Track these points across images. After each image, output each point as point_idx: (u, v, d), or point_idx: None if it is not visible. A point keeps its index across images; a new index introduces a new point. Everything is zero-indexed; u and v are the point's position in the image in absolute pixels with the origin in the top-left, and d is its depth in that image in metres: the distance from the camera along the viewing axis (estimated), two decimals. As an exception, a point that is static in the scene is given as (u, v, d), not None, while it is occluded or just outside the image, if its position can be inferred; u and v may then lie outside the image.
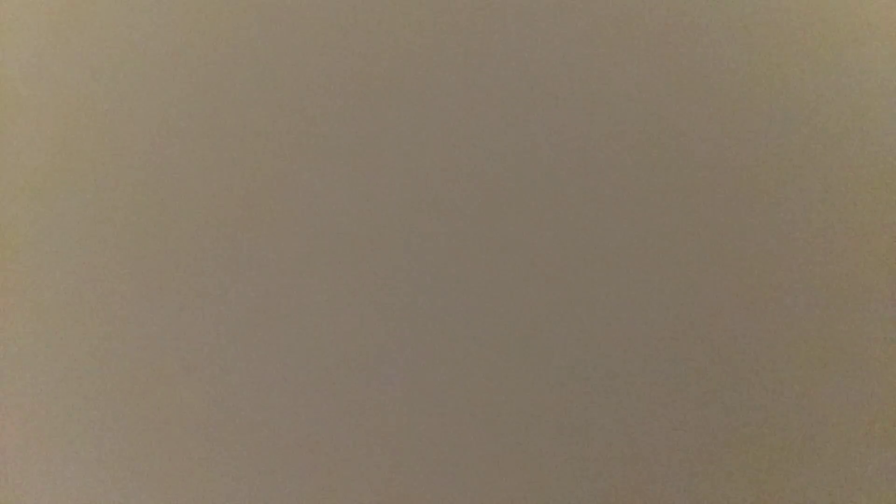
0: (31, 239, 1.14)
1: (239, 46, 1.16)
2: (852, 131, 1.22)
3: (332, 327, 1.16)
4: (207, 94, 1.16)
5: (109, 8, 1.15)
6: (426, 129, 1.17)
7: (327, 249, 1.16)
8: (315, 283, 1.16)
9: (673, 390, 1.19)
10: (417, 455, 1.16)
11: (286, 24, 1.17)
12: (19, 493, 1.13)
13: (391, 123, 1.17)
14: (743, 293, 1.20)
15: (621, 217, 1.19)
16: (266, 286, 1.15)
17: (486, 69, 1.18)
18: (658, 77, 1.20)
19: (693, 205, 1.19)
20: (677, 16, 1.20)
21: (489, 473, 1.17)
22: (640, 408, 1.18)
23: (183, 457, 1.14)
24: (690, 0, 1.20)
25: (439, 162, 1.17)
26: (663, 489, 1.18)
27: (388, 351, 1.16)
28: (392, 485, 1.16)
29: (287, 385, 1.15)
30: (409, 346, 1.16)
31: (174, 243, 1.15)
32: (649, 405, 1.18)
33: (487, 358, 1.17)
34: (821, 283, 1.21)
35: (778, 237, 1.20)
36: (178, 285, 1.14)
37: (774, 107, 1.21)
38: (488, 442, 1.17)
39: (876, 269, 1.22)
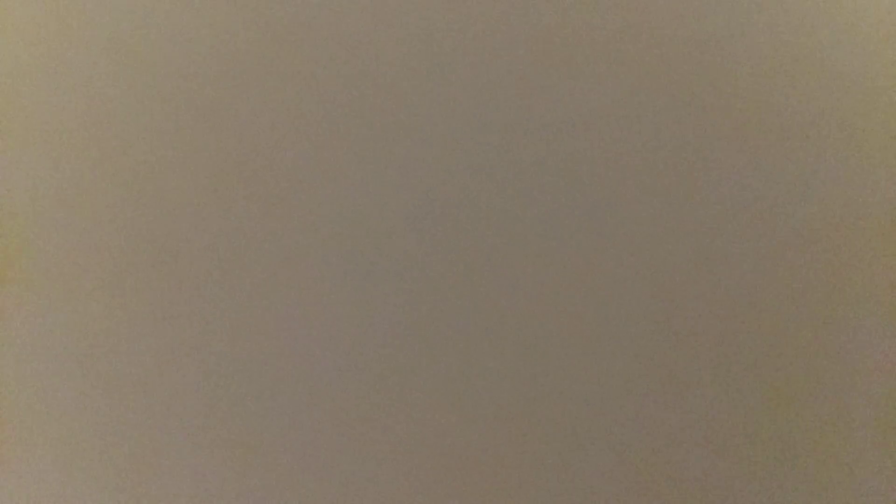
0: (32, 239, 1.14)
1: (238, 47, 1.16)
2: (852, 131, 1.22)
3: (330, 328, 1.16)
4: (206, 95, 1.16)
5: (110, 8, 1.15)
6: (425, 131, 1.17)
7: (326, 250, 1.16)
8: (314, 284, 1.16)
9: (672, 390, 1.19)
10: (417, 455, 1.16)
11: (285, 24, 1.17)
12: (19, 493, 1.13)
13: (390, 124, 1.17)
14: (742, 294, 1.20)
15: (621, 217, 1.19)
16: (266, 287, 1.15)
17: (484, 70, 1.18)
18: (657, 77, 1.20)
19: (692, 205, 1.20)
20: (676, 17, 1.20)
21: (488, 473, 1.17)
22: (640, 408, 1.18)
23: (183, 457, 1.14)
24: (688, 2, 1.20)
25: (438, 163, 1.17)
26: (663, 489, 1.18)
27: (388, 352, 1.16)
28: (391, 485, 1.16)
29: (286, 385, 1.15)
30: (408, 346, 1.16)
31: (173, 244, 1.15)
32: (649, 405, 1.18)
33: (487, 358, 1.17)
34: (820, 283, 1.21)
35: (778, 237, 1.21)
36: (178, 285, 1.15)
37: (774, 106, 1.21)
38: (487, 442, 1.17)
39: (876, 269, 1.22)
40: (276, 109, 1.16)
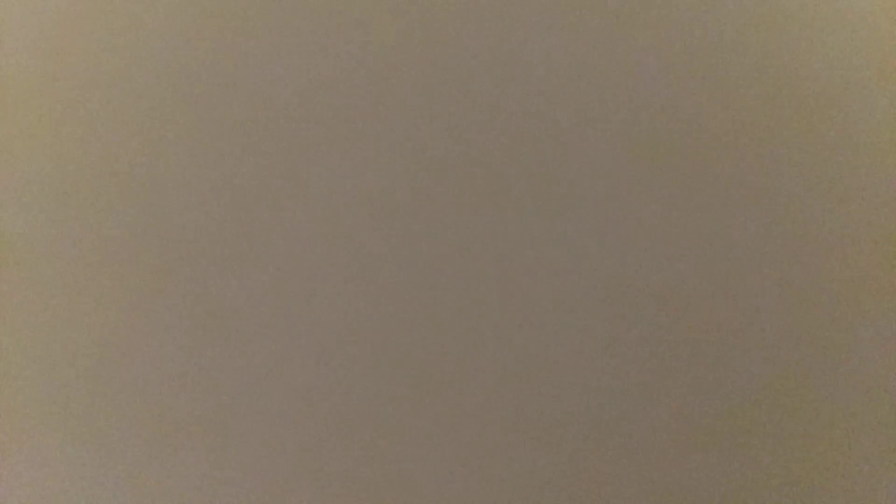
0: (32, 239, 1.14)
1: (238, 47, 1.16)
2: (851, 130, 1.22)
3: (328, 329, 1.16)
4: (205, 96, 1.16)
5: (109, 8, 1.15)
6: (425, 130, 1.17)
7: (324, 250, 1.16)
8: (312, 284, 1.16)
9: (672, 390, 1.19)
10: (416, 456, 1.16)
11: (284, 23, 1.17)
12: (19, 493, 1.13)
13: (389, 124, 1.17)
14: (742, 293, 1.20)
15: (620, 217, 1.19)
16: (265, 287, 1.15)
17: (483, 70, 1.18)
18: (656, 77, 1.20)
19: (692, 205, 1.20)
20: (675, 15, 1.20)
21: (488, 474, 1.17)
22: (640, 408, 1.18)
23: (183, 458, 1.14)
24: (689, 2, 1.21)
25: (437, 162, 1.17)
26: (664, 489, 1.18)
27: (387, 352, 1.16)
28: (391, 485, 1.16)
29: (285, 386, 1.15)
30: (407, 346, 1.16)
31: (173, 244, 1.15)
32: (649, 406, 1.18)
33: (486, 358, 1.17)
34: (820, 282, 1.21)
35: (777, 237, 1.21)
36: (178, 286, 1.14)
37: (773, 105, 1.21)
38: (487, 443, 1.17)
39: (876, 269, 1.22)
40: (274, 109, 1.16)
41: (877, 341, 1.21)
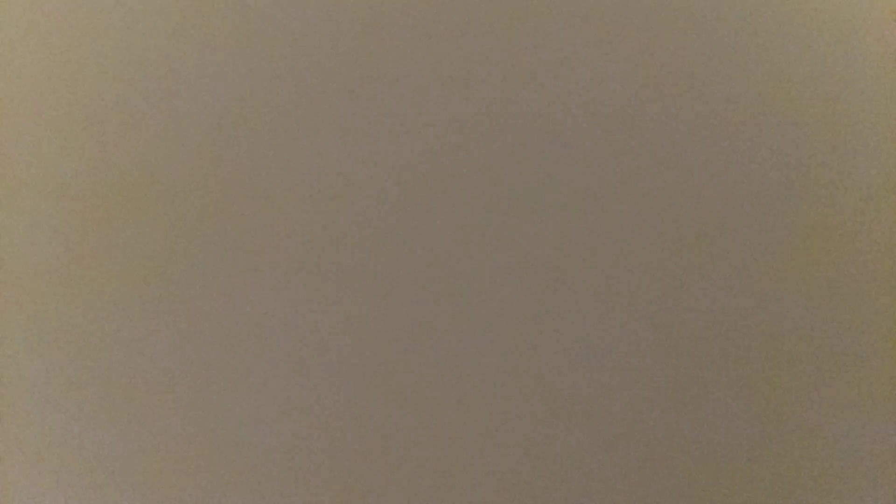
0: (31, 239, 1.14)
1: (238, 47, 1.16)
2: (851, 129, 1.22)
3: (328, 329, 1.16)
4: (205, 95, 1.16)
5: (109, 8, 1.16)
6: (425, 130, 1.17)
7: (325, 250, 1.16)
8: (312, 284, 1.16)
9: (671, 392, 1.19)
10: (416, 456, 1.16)
11: (285, 22, 1.17)
12: (19, 492, 1.13)
13: (390, 123, 1.17)
14: (742, 294, 1.20)
15: (620, 217, 1.19)
16: (265, 287, 1.15)
17: (484, 69, 1.18)
18: (654, 74, 1.20)
19: (691, 205, 1.20)
20: (675, 16, 1.20)
21: (487, 474, 1.17)
22: (640, 409, 1.18)
23: (181, 460, 1.14)
24: (688, 1, 1.20)
25: (438, 163, 1.17)
26: (663, 489, 1.18)
27: (387, 352, 1.16)
28: (392, 485, 1.16)
29: (285, 387, 1.15)
30: (407, 346, 1.16)
31: (173, 244, 1.15)
32: (648, 407, 1.18)
33: (486, 358, 1.17)
34: (820, 282, 1.21)
35: (777, 238, 1.20)
36: (178, 286, 1.15)
37: (773, 105, 1.21)
38: (487, 443, 1.17)
39: (876, 269, 1.22)
40: (272, 109, 1.16)
41: (877, 341, 1.21)
